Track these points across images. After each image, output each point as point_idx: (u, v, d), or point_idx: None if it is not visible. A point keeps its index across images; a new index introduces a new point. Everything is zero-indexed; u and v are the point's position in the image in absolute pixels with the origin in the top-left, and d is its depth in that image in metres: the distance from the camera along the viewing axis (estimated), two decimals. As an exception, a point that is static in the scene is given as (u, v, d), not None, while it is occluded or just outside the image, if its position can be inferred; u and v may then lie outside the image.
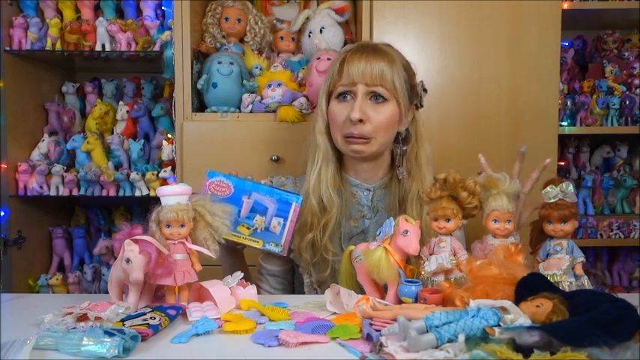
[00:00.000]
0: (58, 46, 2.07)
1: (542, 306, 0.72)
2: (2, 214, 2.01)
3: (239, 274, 0.96)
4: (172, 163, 1.99)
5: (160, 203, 0.93)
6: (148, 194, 2.05)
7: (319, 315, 0.90)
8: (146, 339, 0.77)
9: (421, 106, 1.25)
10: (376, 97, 1.16)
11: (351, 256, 0.99)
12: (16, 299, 1.04)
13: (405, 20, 1.77)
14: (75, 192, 2.08)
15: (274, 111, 1.69)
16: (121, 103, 2.21)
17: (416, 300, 0.87)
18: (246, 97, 1.73)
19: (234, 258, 1.21)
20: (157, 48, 2.05)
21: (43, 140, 2.14)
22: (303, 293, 1.23)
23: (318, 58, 1.67)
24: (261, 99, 1.73)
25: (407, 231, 0.91)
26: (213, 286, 0.91)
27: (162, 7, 2.14)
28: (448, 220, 0.93)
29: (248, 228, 1.10)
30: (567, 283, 0.88)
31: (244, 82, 1.73)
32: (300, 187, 1.25)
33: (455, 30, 1.77)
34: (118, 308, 0.82)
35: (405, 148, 1.24)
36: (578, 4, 1.94)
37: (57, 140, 2.16)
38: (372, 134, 1.16)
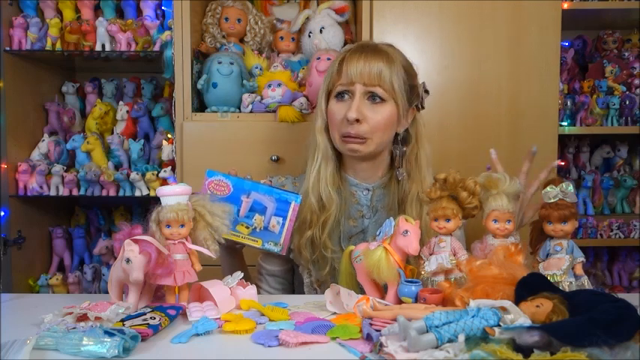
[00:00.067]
0: (58, 46, 2.07)
1: (542, 306, 0.72)
2: (2, 214, 2.01)
3: (239, 274, 0.96)
4: (172, 163, 2.00)
5: (160, 203, 0.94)
6: (148, 194, 2.05)
7: (319, 315, 0.90)
8: (146, 339, 0.77)
9: (422, 107, 1.25)
10: (374, 98, 1.16)
11: (351, 256, 0.99)
12: (16, 299, 1.04)
13: (405, 20, 1.77)
14: (75, 192, 2.08)
15: (274, 111, 1.69)
16: (121, 103, 2.21)
17: (416, 300, 0.87)
18: (246, 97, 1.73)
19: (233, 258, 1.21)
20: (157, 48, 2.05)
21: (43, 140, 2.14)
22: (303, 293, 1.23)
23: (318, 58, 1.67)
24: (261, 99, 1.73)
25: (407, 231, 0.91)
26: (213, 286, 0.91)
27: (163, 7, 2.14)
28: (448, 220, 0.93)
29: (247, 227, 1.10)
30: (567, 283, 0.88)
31: (244, 82, 1.73)
32: (299, 187, 1.25)
33: (455, 30, 1.77)
34: (118, 308, 0.82)
35: (404, 149, 1.24)
36: (578, 4, 1.94)
37: (57, 140, 2.16)
38: (368, 134, 1.16)
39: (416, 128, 1.24)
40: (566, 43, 2.20)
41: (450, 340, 0.68)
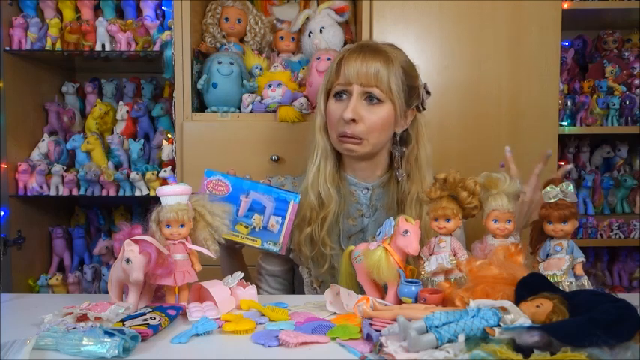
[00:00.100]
0: (58, 46, 2.07)
1: (542, 306, 0.72)
2: (2, 214, 2.01)
3: (239, 274, 0.96)
4: (172, 163, 2.00)
5: (160, 203, 0.94)
6: (148, 194, 2.05)
7: (319, 315, 0.90)
8: (146, 339, 0.77)
9: (423, 108, 1.24)
10: (371, 98, 1.16)
11: (351, 256, 0.99)
12: (16, 299, 1.04)
13: (405, 20, 1.77)
14: (75, 192, 2.08)
15: (274, 111, 1.69)
16: (121, 103, 2.21)
17: (416, 300, 0.87)
18: (246, 97, 1.73)
19: (233, 258, 1.22)
20: (157, 48, 2.05)
21: (43, 140, 2.14)
22: (303, 293, 1.23)
23: (318, 58, 1.67)
24: (261, 99, 1.73)
25: (407, 231, 0.91)
26: (213, 286, 0.91)
27: (163, 7, 2.14)
28: (448, 220, 0.93)
29: (246, 227, 1.10)
30: (567, 283, 0.88)
31: (244, 82, 1.73)
32: (299, 187, 1.25)
33: (455, 30, 1.77)
34: (118, 308, 0.82)
35: (403, 149, 1.24)
36: (578, 4, 1.94)
37: (57, 140, 2.16)
38: (364, 135, 1.16)
39: (416, 129, 1.24)
40: (566, 43, 2.20)
41: (450, 340, 0.68)
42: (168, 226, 0.92)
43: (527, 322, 0.69)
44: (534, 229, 0.96)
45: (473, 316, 0.70)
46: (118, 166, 2.13)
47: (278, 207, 1.10)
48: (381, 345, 0.71)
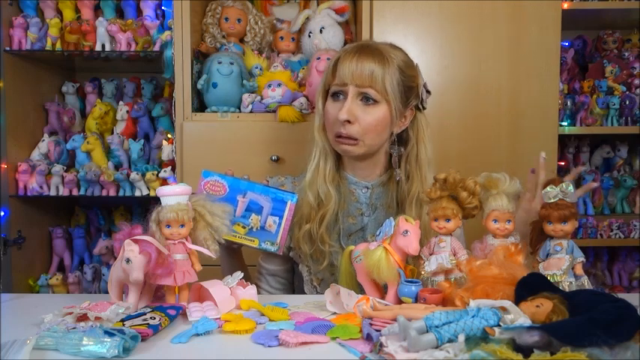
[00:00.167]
0: (58, 46, 2.07)
1: (542, 306, 0.72)
2: (2, 214, 2.01)
3: (239, 274, 0.96)
4: (172, 163, 2.00)
5: (160, 203, 0.94)
6: (148, 194, 2.05)
7: (319, 315, 0.90)
8: (146, 339, 0.77)
9: (423, 108, 1.24)
10: (367, 99, 1.15)
11: (351, 256, 0.99)
12: (16, 299, 1.04)
13: (405, 20, 1.77)
14: (75, 192, 2.08)
15: (274, 111, 1.69)
16: (121, 103, 2.21)
17: (416, 300, 0.87)
18: (246, 97, 1.73)
19: (232, 258, 1.22)
20: (157, 48, 2.05)
21: (43, 140, 2.14)
22: (304, 292, 1.23)
23: (318, 58, 1.67)
24: (261, 99, 1.73)
25: (407, 231, 0.91)
26: (213, 286, 0.91)
27: (163, 7, 2.14)
28: (448, 220, 0.93)
29: (244, 227, 1.10)
30: (567, 283, 0.88)
31: (244, 82, 1.73)
32: (299, 187, 1.25)
33: (455, 30, 1.77)
34: (118, 308, 0.82)
35: (402, 149, 1.24)
36: (578, 4, 1.94)
37: (57, 140, 2.16)
38: (359, 135, 1.16)
39: (416, 128, 1.23)
40: (566, 43, 2.20)
41: (450, 340, 0.68)
42: (168, 226, 0.92)
43: (527, 322, 0.69)
44: (534, 229, 0.96)
45: (473, 316, 0.70)
46: (118, 166, 2.13)
47: (275, 207, 1.10)
48: (381, 345, 0.71)
